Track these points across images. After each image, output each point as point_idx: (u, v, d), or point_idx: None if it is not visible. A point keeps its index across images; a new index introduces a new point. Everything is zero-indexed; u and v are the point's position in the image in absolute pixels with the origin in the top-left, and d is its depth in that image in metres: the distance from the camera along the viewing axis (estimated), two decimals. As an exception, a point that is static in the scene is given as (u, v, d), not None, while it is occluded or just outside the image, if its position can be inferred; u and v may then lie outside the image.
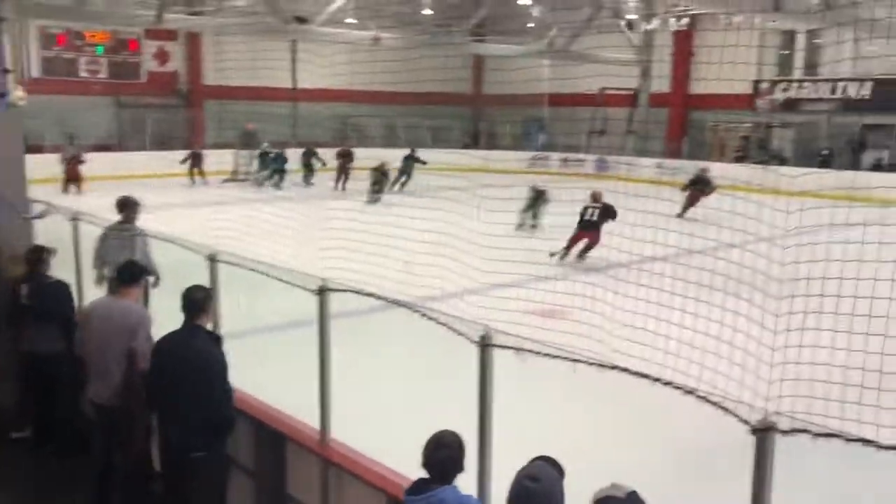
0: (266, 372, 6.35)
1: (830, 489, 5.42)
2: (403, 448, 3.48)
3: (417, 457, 3.11)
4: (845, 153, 27.92)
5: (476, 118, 38.47)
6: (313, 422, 4.43)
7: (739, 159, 29.81)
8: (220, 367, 4.44)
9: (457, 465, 3.13)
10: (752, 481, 2.55)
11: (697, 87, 31.35)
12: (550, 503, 2.69)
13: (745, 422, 2.56)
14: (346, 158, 25.02)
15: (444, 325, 3.66)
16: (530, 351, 3.31)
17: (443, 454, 3.10)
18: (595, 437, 6.32)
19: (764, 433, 2.51)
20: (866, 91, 27.79)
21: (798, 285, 4.18)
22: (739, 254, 4.67)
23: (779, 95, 30.16)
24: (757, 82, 30.01)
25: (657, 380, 2.99)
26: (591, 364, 3.16)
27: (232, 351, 4.63)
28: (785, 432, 2.48)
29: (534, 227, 16.49)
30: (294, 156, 25.63)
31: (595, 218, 13.67)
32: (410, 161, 24.78)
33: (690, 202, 19.05)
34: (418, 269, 5.99)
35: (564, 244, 13.63)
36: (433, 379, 7.18)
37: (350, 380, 4.91)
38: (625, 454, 5.97)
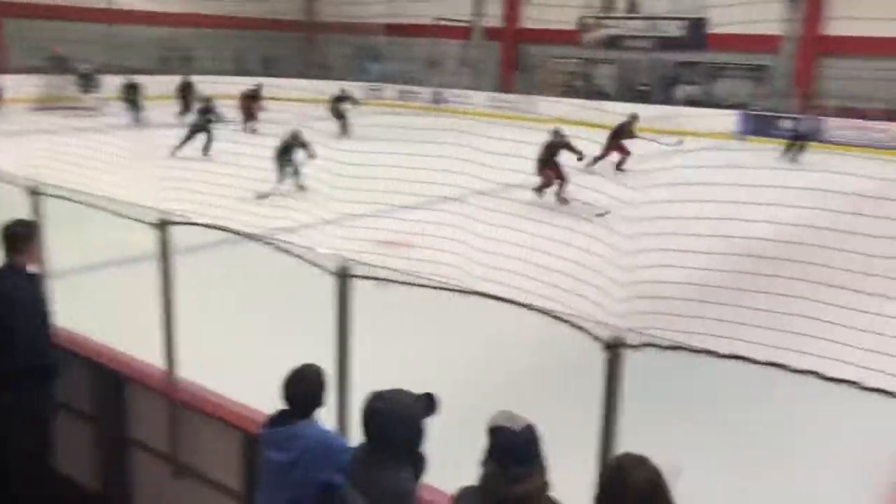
0: (99, 312, 5.97)
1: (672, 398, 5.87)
2: (261, 386, 3.39)
3: (276, 394, 3.04)
4: (660, 88, 29.70)
5: (309, 46, 37.25)
6: (157, 363, 4.21)
7: (566, 93, 31.00)
8: (39, 306, 4.17)
9: (317, 400, 3.10)
10: (604, 396, 2.68)
11: (528, 22, 31.95)
12: (397, 424, 2.66)
13: (598, 339, 2.68)
14: (252, 100, 21.24)
15: (298, 257, 3.56)
16: (390, 280, 3.29)
17: (302, 388, 3.05)
18: (457, 365, 6.39)
19: (615, 349, 2.64)
20: (681, 30, 29.49)
21: (649, 208, 4.43)
22: (594, 180, 4.87)
23: (603, 32, 31.39)
24: (583, 19, 31.04)
25: (514, 302, 3.08)
26: (452, 291, 3.19)
27: (60, 290, 4.29)
28: (635, 347, 2.63)
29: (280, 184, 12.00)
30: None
31: (543, 157, 12.96)
32: (345, 102, 21.64)
33: (620, 152, 16.46)
34: (270, 200, 5.78)
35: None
36: (288, 313, 6.98)
37: (198, 318, 4.69)
38: (485, 379, 6.11)
